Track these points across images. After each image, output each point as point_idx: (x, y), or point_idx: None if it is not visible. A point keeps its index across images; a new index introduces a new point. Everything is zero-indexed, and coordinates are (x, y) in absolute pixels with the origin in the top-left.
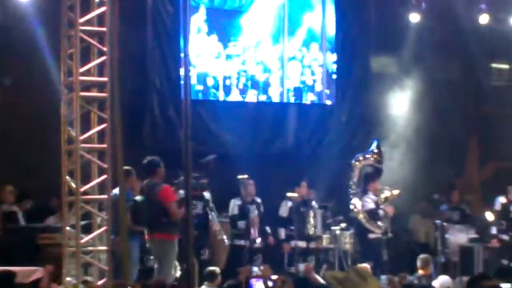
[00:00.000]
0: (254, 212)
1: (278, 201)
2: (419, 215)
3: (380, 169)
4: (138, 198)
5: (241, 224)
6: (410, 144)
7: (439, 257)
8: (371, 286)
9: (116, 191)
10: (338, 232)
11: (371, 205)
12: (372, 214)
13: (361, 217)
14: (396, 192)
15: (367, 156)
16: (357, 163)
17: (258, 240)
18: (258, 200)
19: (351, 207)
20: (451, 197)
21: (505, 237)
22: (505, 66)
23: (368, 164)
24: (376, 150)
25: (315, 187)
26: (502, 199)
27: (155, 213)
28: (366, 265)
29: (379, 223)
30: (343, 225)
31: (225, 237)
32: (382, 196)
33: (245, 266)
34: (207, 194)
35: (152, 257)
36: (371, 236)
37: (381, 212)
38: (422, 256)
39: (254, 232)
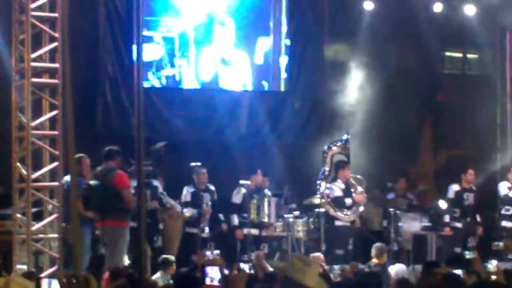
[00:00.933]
0: (207, 199)
1: (231, 188)
2: (372, 203)
3: (349, 157)
4: (92, 182)
5: (193, 212)
6: (363, 131)
7: (392, 245)
8: (312, 272)
9: (67, 178)
10: (291, 220)
11: (337, 193)
12: (337, 202)
13: (326, 205)
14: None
15: (338, 144)
16: (328, 150)
17: (206, 229)
18: (212, 187)
19: (318, 194)
20: (396, 186)
21: (458, 224)
22: (458, 55)
23: (339, 152)
24: (343, 140)
25: (268, 175)
26: (455, 187)
27: (109, 198)
28: (319, 254)
29: (345, 211)
30: (296, 213)
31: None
32: (352, 183)
33: (199, 252)
34: (155, 182)
35: (101, 244)
36: (338, 223)
37: (348, 200)
38: (376, 244)
39: (204, 220)
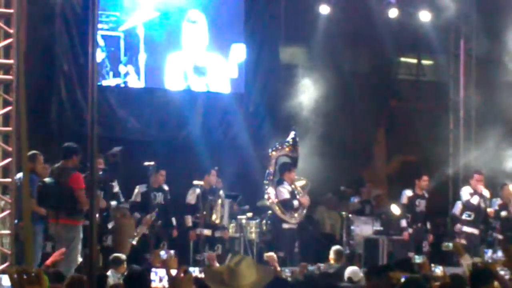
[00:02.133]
0: (160, 199)
1: (185, 188)
2: (325, 206)
3: (296, 159)
4: (47, 180)
5: (137, 215)
6: (317, 135)
7: (344, 248)
8: (248, 272)
9: (20, 175)
10: (244, 221)
11: (286, 196)
12: (286, 205)
13: (275, 208)
14: (301, 183)
15: (283, 146)
16: (273, 152)
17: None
18: (166, 187)
19: (265, 196)
20: (362, 190)
21: (409, 230)
22: (413, 60)
23: (284, 154)
24: (291, 141)
25: (222, 176)
26: (408, 193)
27: (64, 197)
28: (271, 254)
29: (293, 213)
30: (249, 214)
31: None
32: (295, 185)
33: (154, 252)
34: (113, 184)
35: (50, 243)
36: (285, 226)
37: (295, 202)
38: (335, 248)
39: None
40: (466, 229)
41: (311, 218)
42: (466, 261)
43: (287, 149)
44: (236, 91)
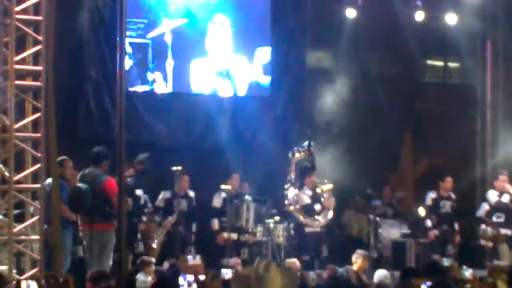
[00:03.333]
0: (183, 206)
1: (212, 193)
2: (353, 210)
3: (313, 162)
4: (81, 185)
5: (157, 219)
6: (345, 139)
7: (372, 252)
8: (274, 278)
9: (49, 180)
10: (271, 225)
11: (306, 201)
12: (307, 210)
13: (296, 214)
14: (328, 186)
15: (299, 150)
16: (292, 157)
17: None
18: (191, 194)
19: (286, 202)
20: (383, 194)
21: (435, 231)
22: (440, 63)
23: (303, 158)
24: (306, 146)
25: (250, 181)
26: (432, 194)
27: (98, 202)
28: (294, 260)
29: (317, 217)
30: (277, 218)
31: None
32: (321, 189)
33: (181, 257)
34: (138, 191)
35: (81, 247)
36: (308, 230)
37: (317, 206)
38: (359, 251)
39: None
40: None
41: (338, 221)
42: (504, 252)
43: (303, 153)
44: (263, 95)
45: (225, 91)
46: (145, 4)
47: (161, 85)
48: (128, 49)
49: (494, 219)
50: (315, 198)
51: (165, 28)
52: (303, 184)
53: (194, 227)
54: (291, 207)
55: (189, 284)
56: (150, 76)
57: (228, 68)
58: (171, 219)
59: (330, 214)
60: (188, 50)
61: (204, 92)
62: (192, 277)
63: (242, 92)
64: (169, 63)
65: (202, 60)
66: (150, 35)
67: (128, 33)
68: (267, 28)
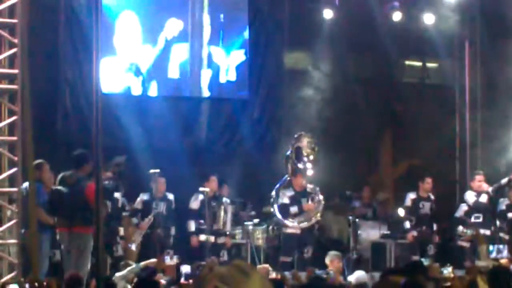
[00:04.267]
0: (160, 209)
1: (190, 196)
2: (332, 211)
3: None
4: (61, 188)
5: (135, 220)
6: (322, 140)
7: (351, 253)
8: (254, 282)
9: (26, 184)
10: (250, 227)
11: (284, 201)
12: (282, 209)
13: (275, 212)
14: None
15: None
16: (287, 157)
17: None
18: (170, 196)
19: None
20: (362, 195)
21: (414, 233)
22: (418, 64)
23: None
24: (295, 147)
25: (228, 183)
26: (412, 195)
27: (79, 206)
28: (263, 265)
29: (291, 219)
30: (256, 220)
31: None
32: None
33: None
34: (116, 194)
35: (58, 251)
36: (288, 231)
37: (293, 208)
38: (332, 252)
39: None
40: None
41: (318, 223)
42: (483, 252)
43: (293, 155)
44: (240, 97)
45: (202, 93)
46: None
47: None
48: None
49: (473, 219)
50: (295, 200)
51: None
52: (289, 185)
53: (173, 230)
54: (270, 208)
55: (169, 284)
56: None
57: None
58: (147, 221)
59: (315, 218)
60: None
61: (180, 94)
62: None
63: (219, 93)
64: None
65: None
66: None
67: None
68: (244, 29)
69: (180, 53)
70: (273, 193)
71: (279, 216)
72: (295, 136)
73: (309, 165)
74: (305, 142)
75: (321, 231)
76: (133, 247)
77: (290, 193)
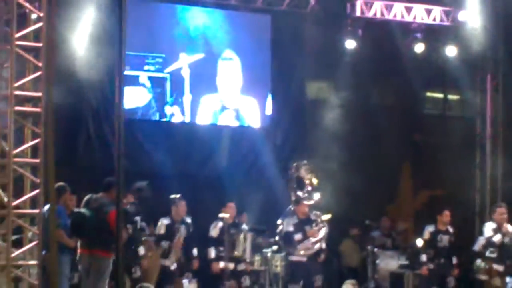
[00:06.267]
0: (182, 232)
1: (210, 222)
2: (352, 241)
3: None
4: (84, 211)
5: (165, 244)
6: (343, 169)
7: (369, 282)
8: None
9: (48, 206)
10: (269, 254)
11: (288, 228)
12: (285, 238)
13: (279, 241)
14: (326, 217)
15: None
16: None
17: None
18: (188, 220)
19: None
20: (381, 224)
21: (431, 265)
22: (439, 95)
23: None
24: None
25: (248, 210)
26: (430, 228)
27: (101, 230)
28: None
29: (298, 247)
30: (274, 247)
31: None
32: (319, 218)
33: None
34: (137, 218)
35: (77, 274)
36: (293, 258)
37: (297, 236)
38: (348, 281)
39: (175, 251)
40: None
41: (336, 251)
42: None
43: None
44: (263, 125)
45: (226, 121)
46: (163, 39)
47: (179, 119)
48: (147, 83)
49: (488, 254)
50: (299, 227)
51: (183, 63)
52: (293, 213)
53: (195, 252)
54: (276, 237)
55: None
56: (168, 110)
57: (234, 104)
58: (178, 236)
59: (318, 244)
60: (203, 85)
61: (205, 122)
62: None
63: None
64: (186, 98)
65: (210, 95)
66: (167, 70)
67: (146, 67)
68: (269, 62)
69: None
70: (279, 221)
71: (283, 245)
72: (293, 165)
73: (313, 192)
74: (302, 170)
75: (339, 260)
76: (173, 266)
77: (294, 221)
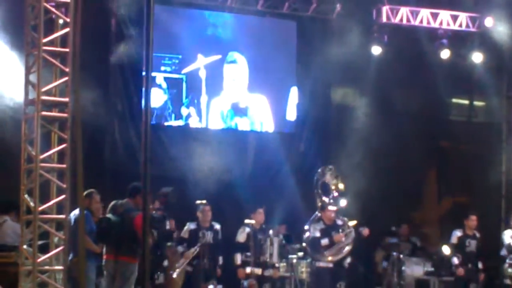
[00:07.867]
0: (207, 238)
1: (236, 227)
2: (384, 251)
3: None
4: (110, 216)
5: (181, 248)
6: (368, 175)
7: None
8: None
9: (75, 212)
10: (295, 260)
11: (315, 234)
12: (313, 243)
13: (306, 248)
14: (353, 222)
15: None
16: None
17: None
18: (217, 226)
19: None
20: (399, 231)
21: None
22: (465, 102)
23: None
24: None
25: (274, 215)
26: (458, 233)
27: (127, 236)
28: None
29: (325, 252)
30: (300, 253)
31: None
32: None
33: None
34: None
35: (103, 280)
36: (319, 264)
37: (324, 241)
38: None
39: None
40: None
41: (363, 258)
42: None
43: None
44: (288, 131)
45: (249, 126)
46: (180, 40)
47: (195, 120)
48: (163, 84)
49: (508, 261)
50: (326, 232)
51: (200, 64)
52: (319, 218)
53: (220, 259)
54: (303, 243)
55: None
56: (184, 111)
57: (245, 104)
58: (193, 250)
59: (345, 249)
60: (215, 87)
61: (223, 126)
62: None
63: (267, 127)
64: (203, 99)
65: (218, 97)
66: (184, 71)
67: (162, 68)
68: (293, 67)
69: None
70: (306, 227)
71: (310, 251)
72: (318, 171)
73: (339, 197)
74: (328, 175)
75: (368, 267)
76: (175, 275)
77: (320, 226)
